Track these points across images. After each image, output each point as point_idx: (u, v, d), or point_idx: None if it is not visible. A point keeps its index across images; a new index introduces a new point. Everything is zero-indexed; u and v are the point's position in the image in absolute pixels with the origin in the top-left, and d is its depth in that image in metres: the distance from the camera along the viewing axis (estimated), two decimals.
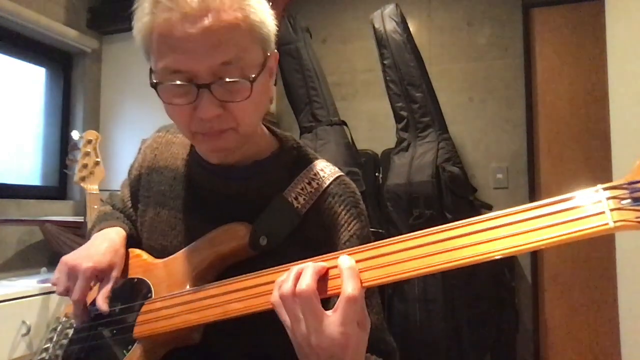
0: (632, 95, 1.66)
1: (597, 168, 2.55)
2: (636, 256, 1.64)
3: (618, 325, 1.76)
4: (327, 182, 0.76)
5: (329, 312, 0.56)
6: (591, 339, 2.62)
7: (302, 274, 0.58)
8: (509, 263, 2.64)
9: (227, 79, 0.63)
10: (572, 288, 2.67)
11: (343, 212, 0.75)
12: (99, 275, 0.75)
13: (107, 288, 0.74)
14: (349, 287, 0.55)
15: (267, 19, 0.68)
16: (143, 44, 0.66)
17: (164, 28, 0.62)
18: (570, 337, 2.67)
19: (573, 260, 2.67)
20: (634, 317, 1.67)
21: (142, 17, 0.64)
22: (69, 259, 0.76)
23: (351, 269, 0.57)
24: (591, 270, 2.61)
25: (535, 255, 2.74)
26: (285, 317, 0.58)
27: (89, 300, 0.76)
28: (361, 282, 0.57)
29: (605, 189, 0.49)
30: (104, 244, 0.79)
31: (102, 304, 0.73)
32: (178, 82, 0.64)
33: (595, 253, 2.59)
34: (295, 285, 0.57)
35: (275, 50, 0.72)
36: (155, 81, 0.66)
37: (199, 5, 0.61)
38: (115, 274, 0.76)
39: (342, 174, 0.80)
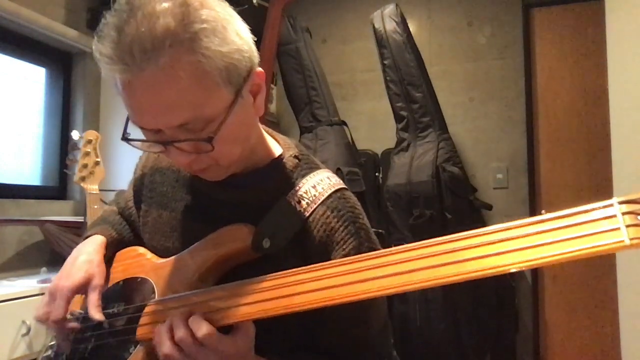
0: (632, 95, 1.66)
1: (597, 168, 2.55)
2: (636, 256, 1.64)
3: (618, 325, 1.76)
4: (327, 193, 0.74)
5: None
6: (591, 339, 2.62)
7: (195, 322, 0.62)
8: None
9: (185, 142, 0.63)
10: (572, 288, 2.67)
11: (341, 229, 0.72)
12: (80, 291, 0.76)
13: (94, 297, 0.75)
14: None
15: (231, 47, 0.62)
16: (113, 85, 0.65)
17: (123, 87, 0.62)
18: (570, 337, 2.67)
19: (573, 260, 2.66)
20: (634, 317, 1.67)
21: (102, 66, 0.62)
22: (51, 285, 0.77)
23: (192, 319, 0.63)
24: (591, 270, 2.61)
25: None
26: None
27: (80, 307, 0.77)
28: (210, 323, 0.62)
29: (620, 202, 0.46)
30: (80, 257, 0.80)
31: (95, 314, 0.73)
32: (145, 140, 0.66)
33: None
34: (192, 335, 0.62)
35: (259, 69, 0.68)
36: (125, 137, 0.67)
37: (145, 62, 0.58)
38: (96, 282, 0.76)
39: (344, 186, 0.78)
